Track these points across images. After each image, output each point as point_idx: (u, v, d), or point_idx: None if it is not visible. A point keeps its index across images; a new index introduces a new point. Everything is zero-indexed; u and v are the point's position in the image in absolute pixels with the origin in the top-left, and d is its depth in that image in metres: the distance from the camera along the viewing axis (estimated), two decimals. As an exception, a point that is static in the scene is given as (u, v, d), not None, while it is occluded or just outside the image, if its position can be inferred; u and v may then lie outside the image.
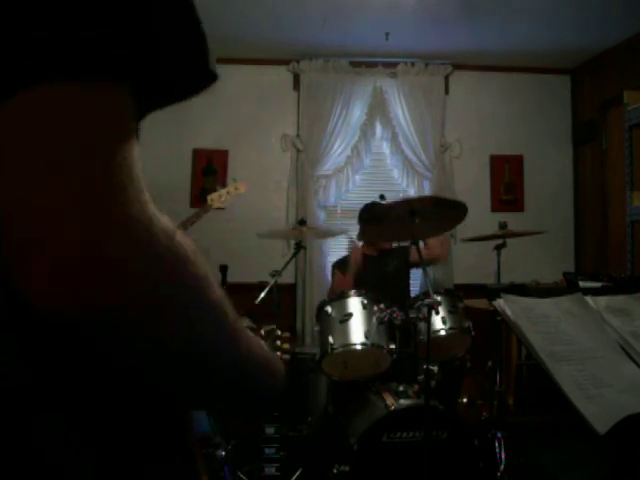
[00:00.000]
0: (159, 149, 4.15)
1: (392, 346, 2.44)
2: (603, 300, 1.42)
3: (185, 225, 3.69)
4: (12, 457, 0.39)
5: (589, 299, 1.42)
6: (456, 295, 2.66)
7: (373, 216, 2.64)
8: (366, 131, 4.58)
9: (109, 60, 0.39)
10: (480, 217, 4.15)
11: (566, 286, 2.98)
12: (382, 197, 2.60)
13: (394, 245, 3.25)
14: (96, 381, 0.44)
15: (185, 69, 0.45)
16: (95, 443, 0.44)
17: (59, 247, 0.36)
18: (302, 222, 3.10)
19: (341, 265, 3.30)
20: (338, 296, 2.61)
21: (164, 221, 0.41)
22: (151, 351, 0.42)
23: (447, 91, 4.69)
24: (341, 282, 3.17)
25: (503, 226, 2.94)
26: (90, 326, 0.38)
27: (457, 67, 4.64)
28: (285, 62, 4.53)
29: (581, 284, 2.15)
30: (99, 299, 0.37)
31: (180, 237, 0.42)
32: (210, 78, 0.46)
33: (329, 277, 4.36)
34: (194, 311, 0.43)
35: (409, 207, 2.34)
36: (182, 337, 0.43)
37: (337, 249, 4.38)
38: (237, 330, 0.50)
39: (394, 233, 2.70)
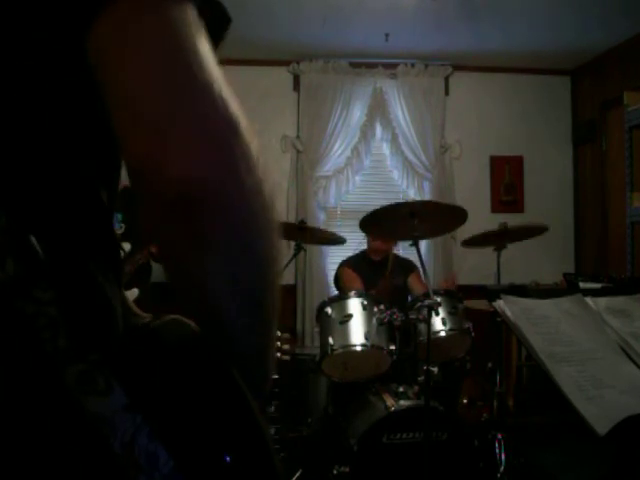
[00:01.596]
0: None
1: (392, 347, 2.44)
2: (603, 301, 1.42)
3: None
4: None
5: (589, 300, 1.42)
6: (456, 296, 2.66)
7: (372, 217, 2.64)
8: (366, 132, 4.57)
9: None
10: (480, 218, 4.15)
11: (566, 287, 2.98)
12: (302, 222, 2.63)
13: (398, 252, 3.27)
14: None
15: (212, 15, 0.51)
16: None
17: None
18: (302, 223, 3.10)
19: (351, 263, 3.30)
20: (338, 297, 2.61)
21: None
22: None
23: (447, 92, 4.69)
24: (352, 279, 3.16)
25: (503, 227, 2.94)
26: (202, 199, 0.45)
27: (457, 68, 4.64)
28: (285, 63, 4.53)
29: (581, 285, 2.15)
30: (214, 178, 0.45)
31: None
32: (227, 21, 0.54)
33: (329, 278, 4.36)
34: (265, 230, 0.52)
35: (409, 209, 2.35)
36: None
37: (337, 250, 4.36)
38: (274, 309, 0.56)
39: (394, 233, 2.71)
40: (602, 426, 1.07)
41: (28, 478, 0.39)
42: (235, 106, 0.46)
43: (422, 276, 3.23)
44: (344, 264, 3.34)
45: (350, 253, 3.50)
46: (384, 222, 2.54)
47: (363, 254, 3.37)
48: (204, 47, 0.46)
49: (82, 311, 0.44)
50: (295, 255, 3.06)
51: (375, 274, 3.10)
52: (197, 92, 0.44)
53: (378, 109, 4.59)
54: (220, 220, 0.46)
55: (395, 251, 3.35)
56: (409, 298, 3.24)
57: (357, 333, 2.41)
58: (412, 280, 3.23)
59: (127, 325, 0.48)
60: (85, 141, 0.50)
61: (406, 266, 3.29)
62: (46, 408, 0.40)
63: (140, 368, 0.45)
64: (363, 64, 4.54)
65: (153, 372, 0.45)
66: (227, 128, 0.45)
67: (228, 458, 0.45)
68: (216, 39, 0.51)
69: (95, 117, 0.49)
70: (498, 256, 3.06)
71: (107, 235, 0.53)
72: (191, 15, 0.46)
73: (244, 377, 0.50)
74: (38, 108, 0.48)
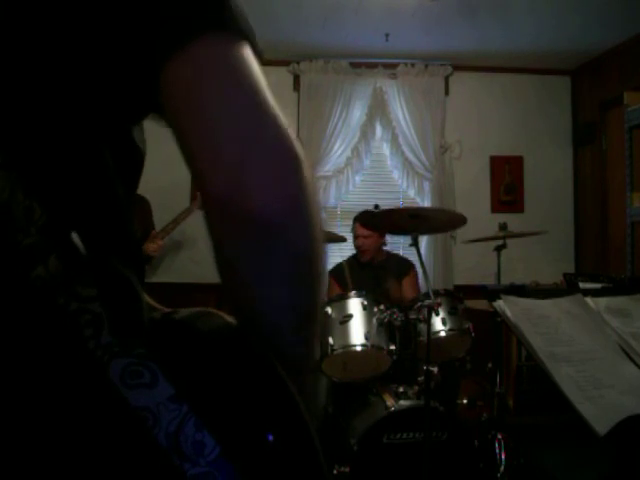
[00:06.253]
0: (161, 148, 4.14)
1: (392, 347, 2.44)
2: (603, 301, 1.42)
3: (176, 221, 3.70)
4: None
5: (589, 300, 1.42)
6: (456, 296, 2.66)
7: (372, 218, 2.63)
8: (366, 132, 4.58)
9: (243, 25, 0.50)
10: (480, 218, 4.15)
11: (566, 287, 2.98)
12: (376, 207, 2.62)
13: (398, 251, 3.25)
14: None
15: None
16: None
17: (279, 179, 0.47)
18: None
19: (336, 274, 3.27)
20: (338, 297, 2.61)
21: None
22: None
23: (447, 92, 4.69)
24: (331, 289, 3.15)
25: (503, 227, 2.94)
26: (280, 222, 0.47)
27: (457, 68, 4.64)
28: (285, 63, 4.53)
29: (581, 285, 2.15)
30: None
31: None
32: None
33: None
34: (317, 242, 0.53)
35: (409, 212, 2.36)
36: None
37: (337, 250, 4.36)
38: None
39: (392, 229, 2.70)
40: (602, 426, 1.07)
41: (70, 470, 0.40)
42: (293, 135, 0.49)
43: (419, 278, 3.22)
44: (329, 272, 3.31)
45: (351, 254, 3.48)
46: (382, 220, 2.53)
47: (354, 258, 3.33)
48: (264, 80, 0.49)
49: (123, 306, 0.45)
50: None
51: (366, 276, 3.08)
52: (271, 127, 0.47)
53: (378, 109, 4.59)
54: (290, 247, 0.49)
55: (387, 249, 3.33)
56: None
57: (357, 333, 2.41)
58: (405, 282, 3.19)
59: (151, 318, 0.49)
60: (117, 153, 0.53)
61: (403, 266, 3.26)
62: (87, 404, 0.41)
63: (182, 358, 0.46)
64: (363, 64, 4.54)
65: (196, 361, 0.47)
66: (296, 161, 0.48)
67: (271, 437, 0.46)
68: None
69: (130, 135, 0.53)
70: (498, 256, 3.06)
71: (129, 234, 0.55)
72: (250, 51, 0.49)
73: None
74: (88, 121, 0.50)
